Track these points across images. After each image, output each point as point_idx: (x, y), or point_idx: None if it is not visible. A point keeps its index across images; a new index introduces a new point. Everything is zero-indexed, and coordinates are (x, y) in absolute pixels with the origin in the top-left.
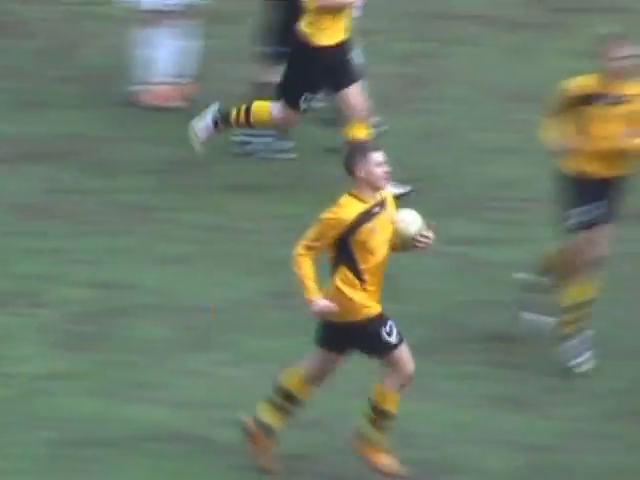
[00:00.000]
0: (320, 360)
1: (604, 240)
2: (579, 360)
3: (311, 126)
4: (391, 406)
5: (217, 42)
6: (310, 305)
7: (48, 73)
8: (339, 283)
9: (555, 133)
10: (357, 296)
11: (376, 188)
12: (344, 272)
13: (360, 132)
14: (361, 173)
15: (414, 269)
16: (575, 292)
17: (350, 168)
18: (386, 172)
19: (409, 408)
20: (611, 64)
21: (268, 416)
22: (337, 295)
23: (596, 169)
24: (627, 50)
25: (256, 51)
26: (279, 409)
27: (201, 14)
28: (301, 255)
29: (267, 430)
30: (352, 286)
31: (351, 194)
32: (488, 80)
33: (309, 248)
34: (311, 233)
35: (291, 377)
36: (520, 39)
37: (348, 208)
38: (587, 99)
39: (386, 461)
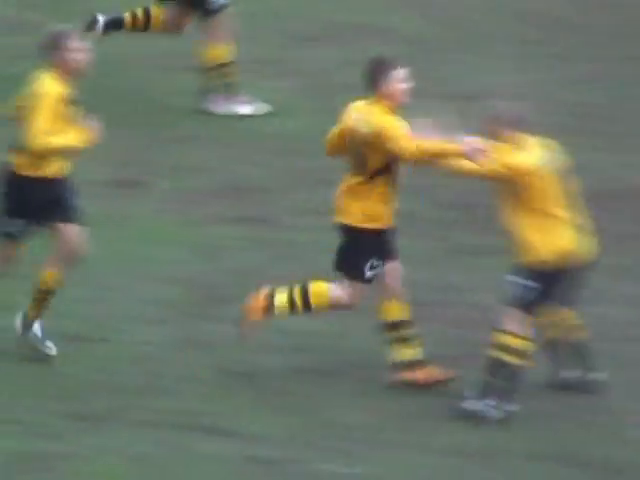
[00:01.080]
0: None
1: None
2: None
3: None
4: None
5: None
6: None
7: None
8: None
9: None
10: None
11: (397, 104)
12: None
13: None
14: (383, 88)
15: None
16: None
17: (373, 82)
18: (408, 88)
19: None
20: (68, 57)
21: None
22: None
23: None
24: (83, 43)
25: None
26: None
27: None
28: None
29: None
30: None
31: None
32: None
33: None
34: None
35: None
36: None
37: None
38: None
39: None
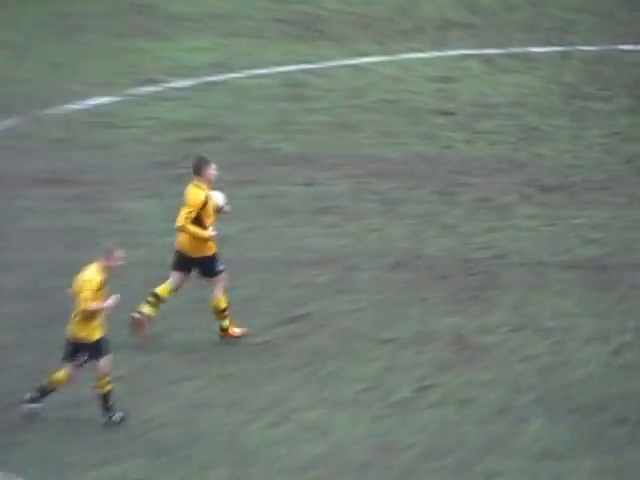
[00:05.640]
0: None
1: None
2: None
3: None
4: None
5: None
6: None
7: None
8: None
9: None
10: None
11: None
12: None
13: None
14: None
15: None
16: None
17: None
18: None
19: None
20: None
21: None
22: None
23: None
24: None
25: None
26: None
27: None
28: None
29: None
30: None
31: (196, 185)
32: None
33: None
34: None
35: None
36: None
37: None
38: None
39: None
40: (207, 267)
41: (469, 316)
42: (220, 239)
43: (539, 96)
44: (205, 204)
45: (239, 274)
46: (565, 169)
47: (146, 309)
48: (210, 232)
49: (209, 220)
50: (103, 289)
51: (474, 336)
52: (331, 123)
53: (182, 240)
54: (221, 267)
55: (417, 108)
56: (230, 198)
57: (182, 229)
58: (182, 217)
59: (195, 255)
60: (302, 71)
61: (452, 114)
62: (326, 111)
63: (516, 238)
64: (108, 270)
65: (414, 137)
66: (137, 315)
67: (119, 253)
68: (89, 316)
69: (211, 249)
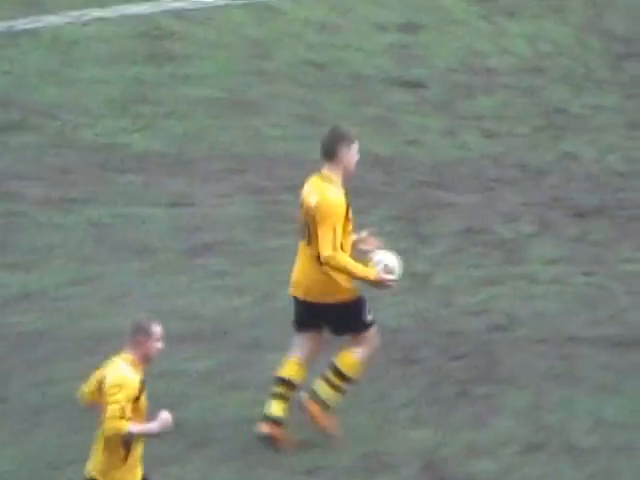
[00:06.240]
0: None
1: None
2: None
3: None
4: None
5: None
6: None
7: None
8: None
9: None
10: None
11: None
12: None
13: None
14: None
15: None
16: None
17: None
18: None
19: None
20: None
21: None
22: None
23: None
24: None
25: None
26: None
27: None
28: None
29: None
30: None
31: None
32: None
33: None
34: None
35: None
36: None
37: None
38: None
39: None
40: (348, 318)
41: (451, 427)
42: (24, 297)
43: (568, 56)
44: (347, 213)
45: (53, 356)
46: (611, 179)
47: (274, 409)
48: (375, 270)
49: (346, 243)
50: (141, 398)
51: (459, 461)
52: (218, 101)
53: (305, 279)
54: (369, 317)
55: (363, 76)
56: (51, 226)
57: (330, 261)
58: (327, 241)
59: (329, 301)
60: (168, 13)
61: (422, 86)
62: (210, 81)
63: (530, 296)
64: (145, 362)
65: (359, 125)
66: (265, 430)
67: (157, 328)
68: (120, 445)
69: (353, 291)
